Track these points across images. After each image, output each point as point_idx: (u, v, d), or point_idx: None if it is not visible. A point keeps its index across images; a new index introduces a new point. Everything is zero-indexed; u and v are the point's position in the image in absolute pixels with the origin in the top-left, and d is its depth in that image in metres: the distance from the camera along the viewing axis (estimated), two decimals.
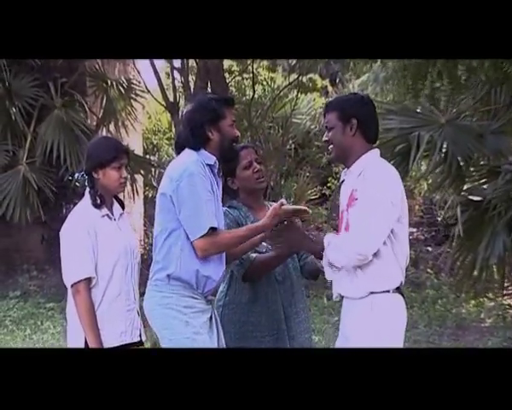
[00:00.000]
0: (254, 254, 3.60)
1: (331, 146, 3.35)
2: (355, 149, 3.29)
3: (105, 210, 3.67)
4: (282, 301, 3.67)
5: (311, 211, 3.57)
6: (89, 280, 3.55)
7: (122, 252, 3.64)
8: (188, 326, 3.30)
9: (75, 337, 3.59)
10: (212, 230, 3.30)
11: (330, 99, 3.47)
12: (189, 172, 3.30)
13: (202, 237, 3.28)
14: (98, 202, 3.65)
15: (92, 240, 3.56)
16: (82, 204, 3.72)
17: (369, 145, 3.34)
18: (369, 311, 3.18)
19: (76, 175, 3.87)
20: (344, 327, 3.33)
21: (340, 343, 3.35)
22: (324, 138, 3.39)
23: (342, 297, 3.35)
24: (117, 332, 3.59)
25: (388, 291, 3.20)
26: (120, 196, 3.90)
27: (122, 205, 3.84)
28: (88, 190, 3.69)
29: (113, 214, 3.71)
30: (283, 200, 3.41)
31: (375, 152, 3.35)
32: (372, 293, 3.19)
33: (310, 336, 3.83)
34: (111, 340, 3.57)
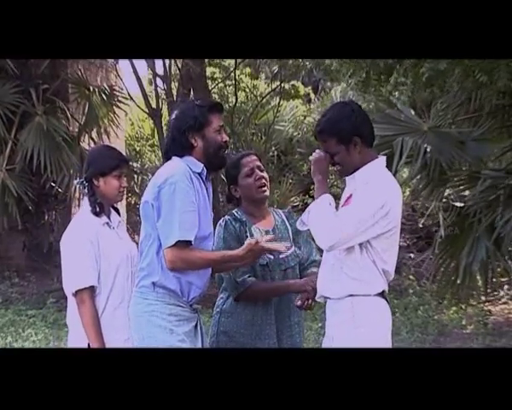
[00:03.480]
0: (251, 279, 3.56)
1: (338, 166, 3.29)
2: (363, 161, 3.26)
3: (105, 218, 3.67)
4: (276, 314, 3.63)
5: (286, 248, 3.47)
6: (92, 289, 3.55)
7: (123, 260, 3.64)
8: (172, 334, 3.28)
9: (78, 346, 3.57)
10: (186, 244, 3.26)
11: (319, 123, 3.31)
12: (172, 181, 3.27)
13: (171, 248, 3.25)
14: (97, 209, 3.64)
15: (95, 248, 3.56)
16: (82, 213, 3.73)
17: (373, 150, 3.33)
18: (350, 312, 3.19)
19: (75, 182, 3.85)
20: (328, 328, 3.34)
21: (325, 343, 3.35)
22: (330, 162, 3.28)
23: (325, 299, 3.36)
24: (121, 339, 3.57)
25: (369, 295, 3.20)
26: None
27: (118, 213, 3.84)
28: (87, 197, 3.69)
29: (112, 222, 3.72)
30: (259, 237, 3.36)
31: (380, 161, 3.31)
32: (351, 295, 3.20)
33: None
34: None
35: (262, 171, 3.69)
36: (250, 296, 3.56)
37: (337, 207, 3.27)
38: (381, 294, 3.24)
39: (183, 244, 3.25)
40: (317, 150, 3.31)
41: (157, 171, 3.49)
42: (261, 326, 3.59)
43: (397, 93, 5.92)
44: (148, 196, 3.35)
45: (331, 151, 3.26)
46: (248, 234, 3.60)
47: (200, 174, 3.38)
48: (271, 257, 3.61)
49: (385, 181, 3.25)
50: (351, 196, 3.24)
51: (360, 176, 3.24)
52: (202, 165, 3.38)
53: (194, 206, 3.30)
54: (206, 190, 3.42)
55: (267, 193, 3.71)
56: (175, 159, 3.40)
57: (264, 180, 3.66)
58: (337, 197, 3.43)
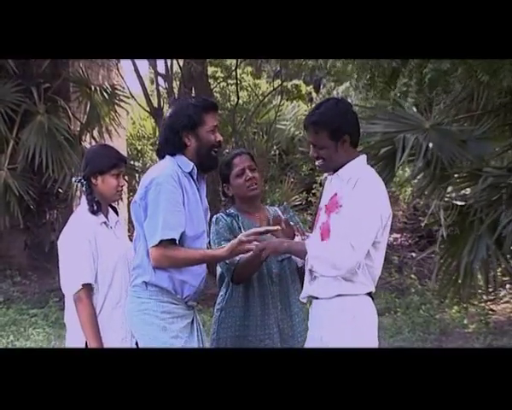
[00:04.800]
0: (238, 257, 3.58)
1: (321, 161, 3.31)
2: (346, 159, 3.28)
3: (102, 217, 3.69)
4: (276, 304, 3.67)
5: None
6: (90, 287, 3.56)
7: (121, 259, 3.66)
8: (165, 331, 3.30)
9: (76, 344, 3.59)
10: (170, 242, 3.27)
11: (313, 115, 3.31)
12: (158, 181, 3.28)
13: (155, 247, 3.27)
14: (95, 208, 3.66)
15: (92, 248, 3.58)
16: (79, 212, 3.74)
17: (356, 150, 3.35)
18: (341, 310, 3.20)
19: (73, 180, 3.87)
20: (316, 328, 3.33)
21: (313, 343, 3.33)
22: (313, 155, 3.32)
23: (310, 299, 3.37)
24: (118, 339, 3.60)
25: (359, 294, 3.22)
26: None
27: (116, 212, 3.85)
28: (85, 196, 3.70)
29: (109, 222, 3.73)
30: (242, 236, 3.30)
31: (363, 158, 3.35)
32: (340, 295, 3.21)
33: (304, 340, 3.82)
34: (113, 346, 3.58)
35: (253, 170, 3.70)
36: (240, 273, 3.57)
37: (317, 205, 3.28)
38: (369, 293, 3.26)
39: (167, 243, 3.26)
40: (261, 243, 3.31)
41: (147, 171, 3.50)
42: (261, 317, 3.62)
43: (402, 95, 5.94)
44: (136, 196, 3.38)
45: (320, 144, 3.27)
46: (242, 226, 3.63)
47: (190, 174, 3.37)
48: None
49: (372, 183, 3.25)
50: (336, 194, 3.26)
51: (345, 174, 3.26)
52: (193, 164, 3.38)
53: (180, 206, 3.30)
54: (198, 189, 3.42)
55: (257, 191, 3.73)
56: (166, 158, 3.41)
57: (254, 180, 3.68)
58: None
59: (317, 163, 3.35)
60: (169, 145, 3.39)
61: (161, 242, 3.24)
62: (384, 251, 3.31)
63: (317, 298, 3.31)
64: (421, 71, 5.57)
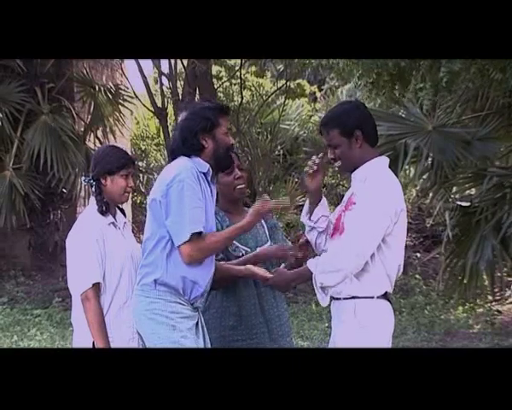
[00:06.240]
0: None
1: (339, 162, 3.32)
2: (364, 158, 3.28)
3: (110, 218, 3.71)
4: (262, 304, 3.67)
5: (290, 203, 3.51)
6: (97, 287, 3.57)
7: (128, 260, 3.67)
8: (175, 331, 3.30)
9: (83, 344, 3.60)
10: (199, 235, 3.29)
11: (324, 117, 3.40)
12: (180, 178, 3.30)
13: (186, 242, 3.28)
14: (104, 208, 3.67)
15: (100, 248, 3.59)
16: (88, 212, 3.76)
17: (374, 149, 3.35)
18: (352, 315, 3.19)
19: (82, 179, 3.88)
20: (333, 331, 3.34)
21: (330, 345, 3.36)
22: (330, 157, 3.34)
23: (331, 300, 3.35)
24: (125, 339, 3.61)
25: (372, 297, 3.19)
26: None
27: (124, 214, 3.87)
28: (94, 196, 3.72)
29: (117, 223, 3.74)
30: (266, 195, 3.43)
31: (383, 160, 3.34)
32: (354, 297, 3.19)
33: (291, 339, 3.84)
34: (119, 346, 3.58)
35: (241, 170, 3.73)
36: (220, 280, 3.54)
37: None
38: (385, 295, 3.23)
39: (196, 236, 3.29)
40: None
41: (164, 168, 3.51)
42: (246, 317, 3.62)
43: (415, 98, 5.94)
44: (155, 194, 3.37)
45: (333, 143, 3.29)
46: (221, 225, 3.63)
47: (205, 175, 3.40)
48: (248, 249, 3.65)
49: (383, 179, 3.25)
50: (352, 194, 3.28)
51: (360, 174, 3.27)
52: (208, 166, 3.40)
53: (202, 203, 3.34)
54: (211, 191, 3.45)
55: (244, 191, 3.76)
56: (182, 158, 3.41)
57: (242, 179, 3.71)
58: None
59: (335, 165, 3.36)
60: (186, 147, 3.41)
61: (191, 236, 3.27)
62: (400, 247, 3.26)
63: (333, 298, 3.30)
64: (433, 72, 5.56)
